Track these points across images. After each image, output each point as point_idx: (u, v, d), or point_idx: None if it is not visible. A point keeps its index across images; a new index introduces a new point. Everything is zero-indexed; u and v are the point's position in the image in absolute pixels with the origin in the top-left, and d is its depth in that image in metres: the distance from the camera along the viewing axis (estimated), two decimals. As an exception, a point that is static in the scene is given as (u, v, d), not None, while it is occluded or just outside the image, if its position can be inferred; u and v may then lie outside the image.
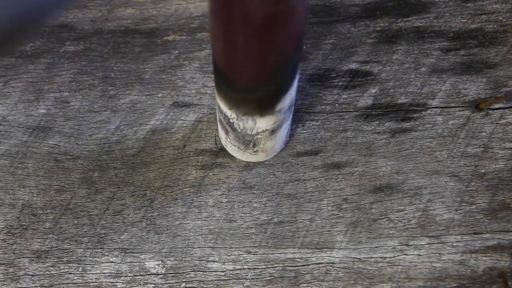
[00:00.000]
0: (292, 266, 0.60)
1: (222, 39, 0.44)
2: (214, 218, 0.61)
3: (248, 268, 0.60)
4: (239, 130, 0.56)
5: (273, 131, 0.56)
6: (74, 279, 0.59)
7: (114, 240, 0.60)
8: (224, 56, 0.46)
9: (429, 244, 0.61)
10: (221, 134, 0.61)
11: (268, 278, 0.59)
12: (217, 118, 0.60)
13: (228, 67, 0.47)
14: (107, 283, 0.59)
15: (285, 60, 0.46)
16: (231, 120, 0.55)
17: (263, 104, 0.51)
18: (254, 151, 0.60)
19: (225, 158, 0.63)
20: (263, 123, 0.54)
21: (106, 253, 0.60)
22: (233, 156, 0.63)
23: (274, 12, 0.39)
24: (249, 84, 0.48)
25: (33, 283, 0.59)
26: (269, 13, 0.39)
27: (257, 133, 0.56)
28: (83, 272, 0.59)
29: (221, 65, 0.48)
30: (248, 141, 0.58)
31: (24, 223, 0.61)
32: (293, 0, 0.39)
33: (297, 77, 0.52)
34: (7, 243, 0.60)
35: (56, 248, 0.60)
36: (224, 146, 0.63)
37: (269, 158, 0.63)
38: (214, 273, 0.59)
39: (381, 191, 0.62)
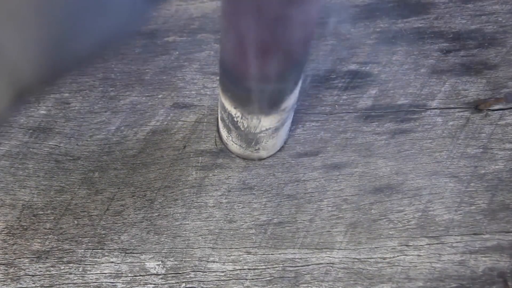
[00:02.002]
0: (292, 267, 0.60)
1: (235, 38, 0.44)
2: (214, 219, 0.61)
3: (248, 269, 0.60)
4: (242, 129, 0.56)
5: (276, 130, 0.57)
6: (74, 279, 0.59)
7: (114, 241, 0.60)
8: (235, 55, 0.46)
9: (429, 244, 0.61)
10: (223, 132, 0.61)
11: (268, 278, 0.59)
12: (219, 117, 0.61)
13: (238, 67, 0.47)
14: (107, 283, 0.59)
15: (295, 60, 0.47)
16: (235, 119, 0.55)
17: (269, 103, 0.52)
18: (255, 149, 0.60)
19: (225, 159, 0.63)
20: (267, 121, 0.54)
21: (106, 254, 0.60)
22: (233, 156, 0.63)
23: (288, 13, 0.39)
24: (258, 84, 0.48)
25: (33, 283, 0.59)
26: (283, 14, 0.39)
27: (261, 131, 0.56)
28: (83, 273, 0.59)
29: (230, 64, 0.48)
30: (250, 139, 0.58)
31: (25, 224, 0.61)
32: (306, 2, 0.40)
33: (302, 76, 0.53)
34: (8, 244, 0.60)
35: (56, 249, 0.60)
36: (225, 144, 0.63)
37: (269, 157, 0.63)
38: (214, 273, 0.59)
39: (381, 192, 0.62)
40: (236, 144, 0.60)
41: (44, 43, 0.26)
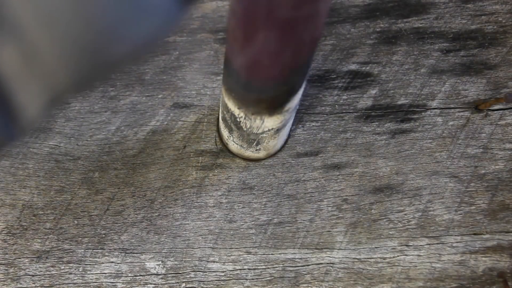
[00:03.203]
0: (292, 267, 0.60)
1: (243, 39, 0.44)
2: (214, 219, 0.61)
3: (248, 269, 0.60)
4: (245, 129, 0.56)
5: (277, 130, 0.57)
6: (74, 279, 0.59)
7: (115, 241, 0.60)
8: (242, 56, 0.46)
9: (429, 244, 0.61)
10: (224, 132, 0.61)
11: (268, 278, 0.59)
12: (220, 117, 0.61)
13: (245, 67, 0.47)
14: (107, 283, 0.59)
15: (302, 61, 0.47)
16: (238, 119, 0.55)
17: (274, 104, 0.52)
18: (256, 149, 0.60)
19: (225, 159, 0.63)
20: (271, 122, 0.54)
21: (106, 254, 0.60)
22: (233, 156, 0.63)
23: (299, 14, 0.39)
24: (265, 84, 0.48)
25: (33, 283, 0.59)
26: (293, 15, 0.39)
27: (263, 132, 0.56)
28: (83, 272, 0.59)
29: (237, 65, 0.48)
30: (252, 140, 0.58)
31: (25, 224, 0.61)
32: (317, 4, 0.40)
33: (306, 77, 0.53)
34: (8, 243, 0.60)
35: (56, 249, 0.60)
36: (226, 144, 0.63)
37: (269, 157, 0.63)
38: (214, 273, 0.59)
39: (381, 192, 0.62)
40: (237, 144, 0.60)
41: (79, 50, 0.27)
